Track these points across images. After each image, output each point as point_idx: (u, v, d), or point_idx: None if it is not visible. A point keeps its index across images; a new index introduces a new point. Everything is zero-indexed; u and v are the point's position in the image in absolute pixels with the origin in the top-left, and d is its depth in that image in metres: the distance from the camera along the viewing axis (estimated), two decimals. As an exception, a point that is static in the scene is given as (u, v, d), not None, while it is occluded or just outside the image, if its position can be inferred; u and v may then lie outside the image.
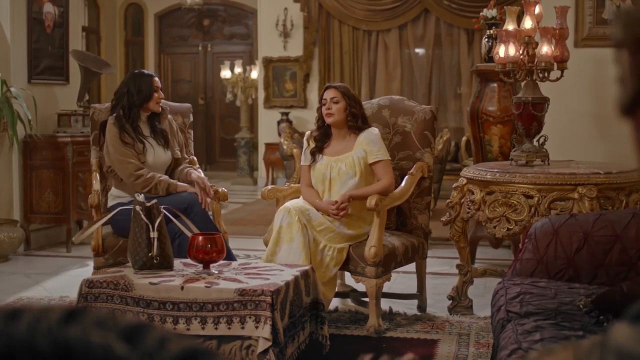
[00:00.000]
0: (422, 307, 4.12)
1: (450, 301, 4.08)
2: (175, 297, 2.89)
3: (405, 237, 3.94)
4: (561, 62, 3.96)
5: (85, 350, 0.60)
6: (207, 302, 2.86)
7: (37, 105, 5.65)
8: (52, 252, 5.87)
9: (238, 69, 10.93)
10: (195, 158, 4.40)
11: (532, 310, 2.45)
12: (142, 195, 3.35)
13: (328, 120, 3.86)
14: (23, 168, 5.85)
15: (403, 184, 3.92)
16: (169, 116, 4.21)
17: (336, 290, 3.89)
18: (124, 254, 3.52)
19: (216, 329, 2.84)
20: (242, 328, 2.80)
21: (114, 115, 4.02)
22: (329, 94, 3.87)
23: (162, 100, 4.19)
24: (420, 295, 4.13)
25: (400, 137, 4.14)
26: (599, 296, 2.42)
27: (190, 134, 4.49)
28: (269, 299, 2.78)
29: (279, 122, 10.06)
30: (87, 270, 4.78)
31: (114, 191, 4.06)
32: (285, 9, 9.94)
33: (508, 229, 3.69)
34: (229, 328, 2.82)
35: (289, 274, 3.06)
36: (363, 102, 4.11)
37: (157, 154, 4.04)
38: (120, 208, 3.65)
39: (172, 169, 4.13)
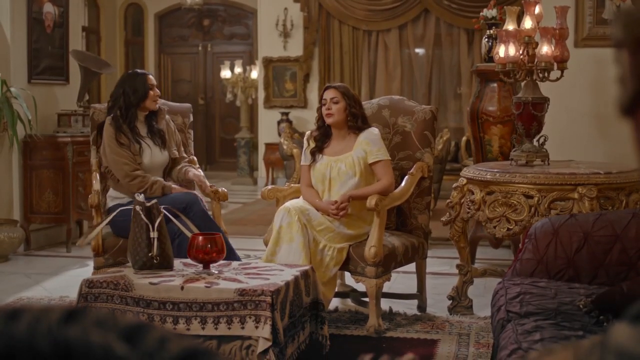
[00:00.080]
0: (422, 307, 4.12)
1: (450, 301, 4.08)
2: (175, 297, 2.89)
3: (405, 237, 3.94)
4: (561, 62, 3.96)
5: (85, 350, 0.60)
6: (207, 302, 2.86)
7: (37, 105, 5.65)
8: (52, 252, 5.87)
9: (238, 69, 10.92)
10: (195, 158, 4.40)
11: (532, 310, 2.45)
12: (142, 195, 3.35)
13: (328, 120, 3.86)
14: (23, 168, 5.84)
15: (403, 184, 3.92)
16: (167, 116, 4.21)
17: (336, 290, 3.89)
18: (124, 254, 3.52)
19: (216, 329, 2.84)
20: (242, 328, 2.80)
21: (111, 116, 4.02)
22: (328, 94, 3.87)
23: (162, 100, 4.19)
24: (420, 295, 4.13)
25: (400, 137, 4.14)
26: (599, 296, 2.42)
27: (190, 134, 4.49)
28: (269, 299, 2.78)
29: (279, 122, 10.06)
30: (87, 270, 4.78)
31: (112, 192, 4.06)
32: (285, 9, 9.94)
33: (508, 229, 3.69)
34: (229, 328, 2.82)
35: (289, 274, 3.06)
36: (363, 102, 4.11)
37: (153, 155, 4.04)
38: (120, 209, 3.65)
39: (169, 168, 4.13)
